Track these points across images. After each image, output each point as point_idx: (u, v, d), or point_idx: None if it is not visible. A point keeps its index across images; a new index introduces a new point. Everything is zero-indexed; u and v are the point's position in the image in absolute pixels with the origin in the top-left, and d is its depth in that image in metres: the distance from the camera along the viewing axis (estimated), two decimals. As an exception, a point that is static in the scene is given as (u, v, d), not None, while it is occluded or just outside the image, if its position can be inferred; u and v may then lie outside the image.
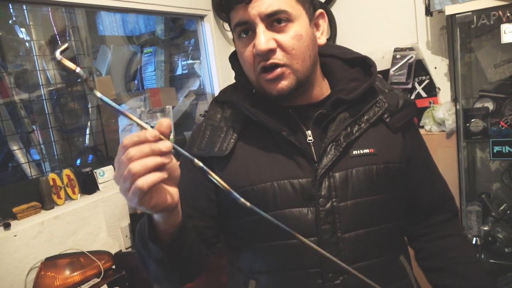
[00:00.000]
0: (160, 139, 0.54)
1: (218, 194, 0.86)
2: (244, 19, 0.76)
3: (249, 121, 0.84)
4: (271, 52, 0.76)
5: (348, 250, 0.78)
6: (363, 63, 0.88)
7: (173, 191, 0.60)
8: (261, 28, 0.75)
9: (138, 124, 0.54)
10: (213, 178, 0.56)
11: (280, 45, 0.76)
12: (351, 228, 0.79)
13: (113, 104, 0.53)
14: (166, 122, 0.55)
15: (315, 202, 0.78)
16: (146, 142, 0.53)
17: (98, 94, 0.52)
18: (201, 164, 0.56)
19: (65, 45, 0.52)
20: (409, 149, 0.88)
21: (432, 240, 0.93)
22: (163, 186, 0.58)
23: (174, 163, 0.59)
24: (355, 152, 0.81)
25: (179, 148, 0.56)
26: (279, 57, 0.76)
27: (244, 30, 0.78)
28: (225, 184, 0.57)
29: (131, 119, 0.53)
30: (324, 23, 0.85)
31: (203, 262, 0.83)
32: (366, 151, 0.82)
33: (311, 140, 0.82)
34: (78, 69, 0.51)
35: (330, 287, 0.78)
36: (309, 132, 0.83)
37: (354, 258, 0.78)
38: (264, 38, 0.75)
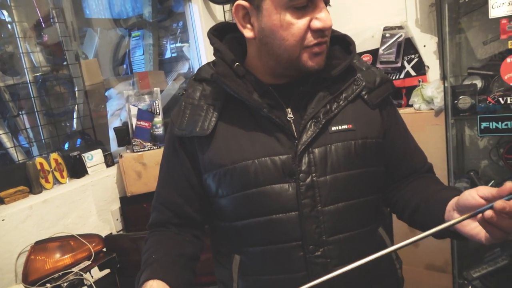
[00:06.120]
0: None
1: (201, 175, 0.87)
2: None
3: (229, 98, 0.83)
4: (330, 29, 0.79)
5: (328, 222, 0.79)
6: (343, 42, 0.88)
7: None
8: (323, 4, 0.77)
9: None
10: None
11: None
12: (331, 202, 0.80)
13: None
14: None
15: (296, 178, 0.79)
16: None
17: None
18: None
19: None
20: (386, 125, 0.89)
21: (403, 188, 0.92)
22: None
23: None
24: (334, 128, 0.82)
25: None
26: (328, 34, 0.80)
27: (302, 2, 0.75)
28: None
29: None
30: None
31: (200, 249, 0.95)
32: (345, 127, 0.83)
33: (291, 117, 0.83)
34: None
35: (311, 258, 0.79)
36: (289, 110, 0.84)
37: (334, 230, 0.80)
38: (329, 15, 0.77)
